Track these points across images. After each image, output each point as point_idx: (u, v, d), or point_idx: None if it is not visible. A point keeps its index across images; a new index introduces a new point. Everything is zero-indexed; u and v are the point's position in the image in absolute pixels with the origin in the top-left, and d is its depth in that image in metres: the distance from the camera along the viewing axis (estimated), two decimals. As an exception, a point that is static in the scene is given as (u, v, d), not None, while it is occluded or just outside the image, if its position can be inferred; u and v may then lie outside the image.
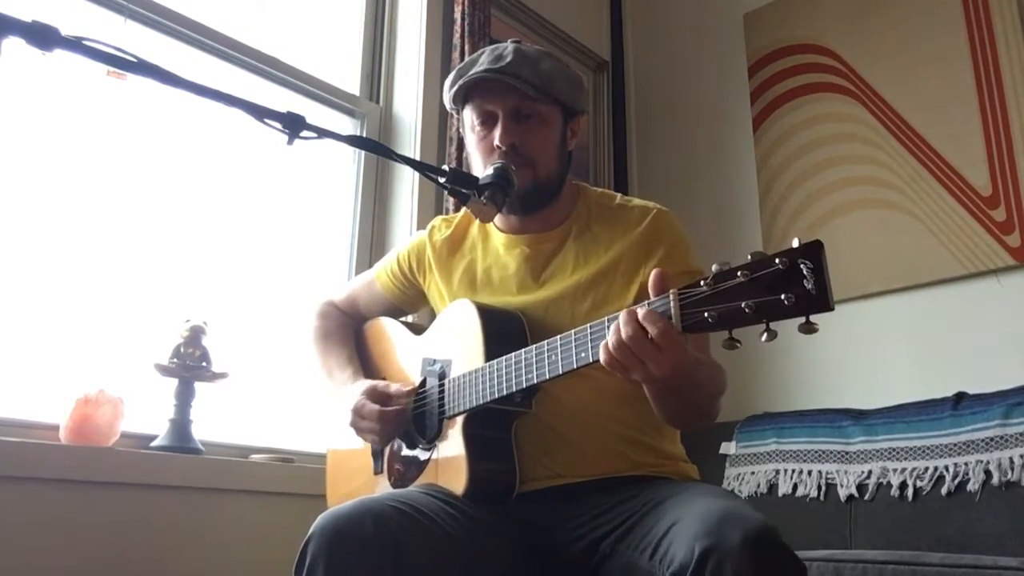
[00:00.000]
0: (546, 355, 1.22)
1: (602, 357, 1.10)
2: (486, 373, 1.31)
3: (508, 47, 1.46)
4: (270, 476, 2.04)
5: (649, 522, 1.17)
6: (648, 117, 3.49)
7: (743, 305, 0.97)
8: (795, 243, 0.95)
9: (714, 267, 1.01)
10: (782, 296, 0.94)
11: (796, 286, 0.93)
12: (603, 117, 3.41)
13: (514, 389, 1.26)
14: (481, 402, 1.31)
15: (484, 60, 1.44)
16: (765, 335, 0.96)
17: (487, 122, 1.45)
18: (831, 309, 0.92)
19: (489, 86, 1.43)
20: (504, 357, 1.29)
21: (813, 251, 0.93)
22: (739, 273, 0.98)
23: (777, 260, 0.95)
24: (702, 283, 1.02)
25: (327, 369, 1.64)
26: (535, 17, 3.14)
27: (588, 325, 1.16)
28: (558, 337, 1.21)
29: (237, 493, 1.97)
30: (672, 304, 1.05)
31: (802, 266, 0.93)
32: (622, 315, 1.08)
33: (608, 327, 1.11)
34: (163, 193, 2.18)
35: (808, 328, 0.93)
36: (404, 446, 1.49)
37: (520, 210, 1.48)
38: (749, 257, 0.98)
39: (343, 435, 1.58)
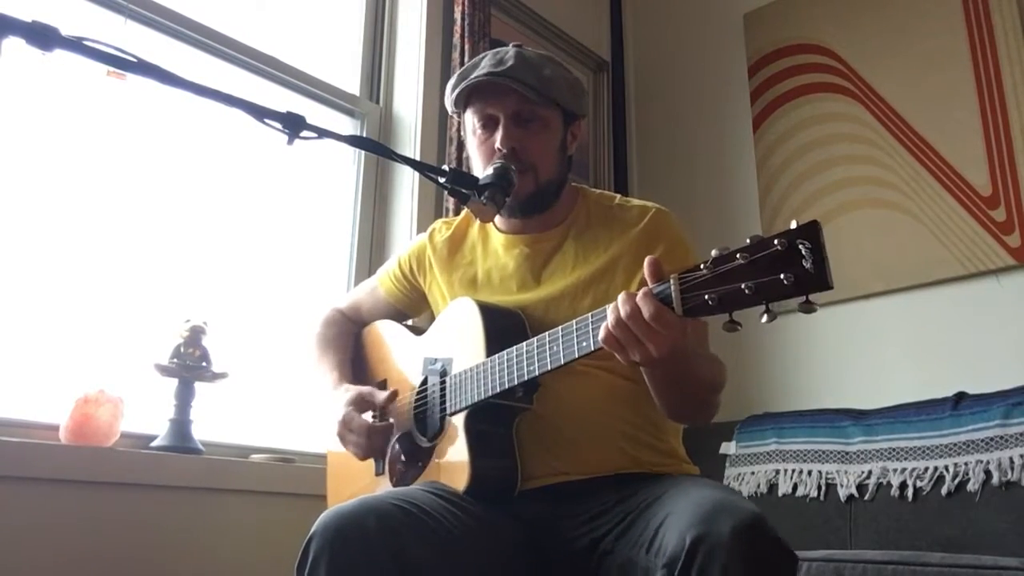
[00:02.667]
0: (547, 346, 1.22)
1: (601, 335, 1.10)
2: (487, 368, 1.31)
3: (510, 51, 1.46)
4: (270, 476, 2.04)
5: (646, 517, 1.18)
6: (648, 117, 3.49)
7: (743, 287, 0.98)
8: (793, 224, 0.95)
9: (713, 251, 1.01)
10: (781, 276, 0.94)
11: (795, 266, 0.94)
12: (603, 117, 3.41)
13: (516, 382, 1.26)
14: (483, 397, 1.31)
15: (486, 64, 1.45)
16: (765, 316, 0.98)
17: (488, 126, 1.46)
18: (830, 287, 0.92)
19: (490, 89, 1.43)
20: (505, 351, 1.28)
21: (811, 231, 0.93)
22: (738, 255, 0.99)
23: (775, 241, 0.95)
24: (702, 266, 1.03)
25: (319, 374, 1.65)
26: (535, 17, 3.14)
27: (589, 314, 1.16)
28: (559, 328, 1.21)
29: (237, 493, 1.97)
30: (673, 288, 1.05)
31: (800, 246, 0.93)
32: (621, 295, 1.09)
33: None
34: (163, 193, 2.18)
35: (808, 307, 0.94)
36: (405, 447, 1.49)
37: (520, 213, 1.48)
38: (748, 240, 0.98)
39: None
